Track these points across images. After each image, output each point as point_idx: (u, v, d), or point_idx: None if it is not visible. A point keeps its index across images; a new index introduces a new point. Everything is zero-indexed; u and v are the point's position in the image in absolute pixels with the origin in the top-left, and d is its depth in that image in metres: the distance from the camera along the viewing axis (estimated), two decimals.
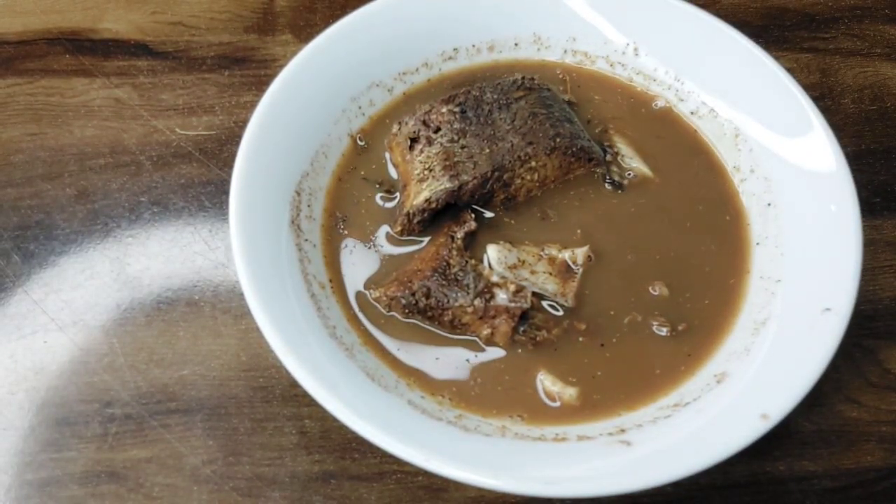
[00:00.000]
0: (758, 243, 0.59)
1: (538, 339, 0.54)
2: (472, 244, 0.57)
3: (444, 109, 0.60)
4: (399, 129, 0.61)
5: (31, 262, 0.63)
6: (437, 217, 0.58)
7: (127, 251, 0.63)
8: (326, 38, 0.60)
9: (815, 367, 0.49)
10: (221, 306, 0.61)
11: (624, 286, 0.57)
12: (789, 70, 0.61)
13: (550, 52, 0.67)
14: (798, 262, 0.56)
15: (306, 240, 0.57)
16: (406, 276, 0.55)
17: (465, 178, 0.57)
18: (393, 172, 0.62)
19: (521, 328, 0.54)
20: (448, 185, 0.57)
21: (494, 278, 0.55)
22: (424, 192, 0.57)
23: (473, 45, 0.66)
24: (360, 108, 0.63)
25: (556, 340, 0.54)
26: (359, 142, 0.62)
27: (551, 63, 0.67)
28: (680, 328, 0.55)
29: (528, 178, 0.59)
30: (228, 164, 0.68)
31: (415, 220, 0.57)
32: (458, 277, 0.54)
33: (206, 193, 0.66)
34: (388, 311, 0.55)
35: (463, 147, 0.58)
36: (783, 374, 0.50)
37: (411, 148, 0.59)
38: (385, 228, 0.59)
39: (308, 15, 0.77)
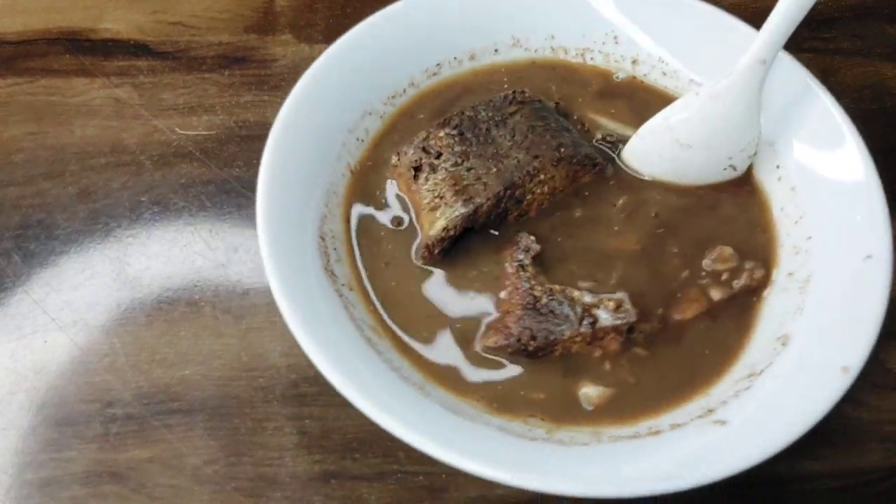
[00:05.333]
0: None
1: (641, 339, 0.54)
2: (543, 262, 0.56)
3: (441, 133, 0.58)
4: (399, 159, 0.59)
5: (32, 262, 0.63)
6: (454, 244, 0.57)
7: (127, 251, 0.63)
8: (318, 71, 0.58)
9: (874, 312, 0.49)
10: (222, 306, 0.61)
11: (668, 271, 0.57)
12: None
13: (529, 52, 0.66)
14: (827, 214, 0.56)
15: (343, 284, 0.55)
16: (496, 321, 0.54)
17: (478, 200, 0.56)
18: (393, 200, 0.60)
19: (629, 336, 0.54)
20: (463, 210, 0.56)
21: (587, 299, 0.53)
22: (440, 220, 0.56)
23: (455, 58, 0.65)
24: (357, 139, 0.61)
25: (649, 334, 0.54)
26: (352, 170, 0.61)
27: (524, 60, 0.67)
28: (724, 298, 0.55)
29: (539, 191, 0.58)
30: (229, 163, 0.68)
31: (436, 251, 0.56)
32: (553, 309, 0.53)
33: (207, 193, 0.66)
34: (496, 361, 0.54)
35: (469, 169, 0.57)
36: (846, 326, 0.50)
37: (416, 177, 0.58)
38: (408, 257, 0.58)
39: (308, 15, 0.77)
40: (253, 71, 0.73)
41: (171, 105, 0.71)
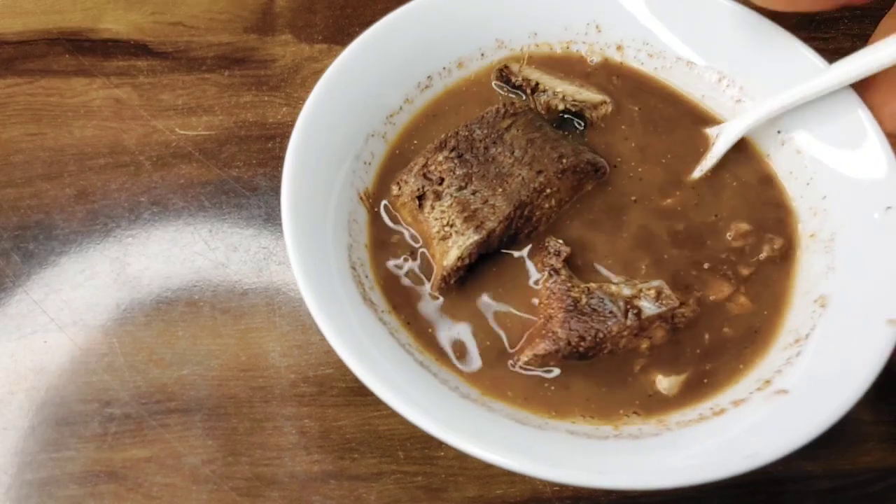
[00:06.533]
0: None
1: (683, 325, 0.54)
2: (572, 267, 0.56)
3: (440, 157, 0.57)
4: (399, 188, 0.58)
5: (31, 262, 0.63)
6: (471, 269, 0.56)
7: (127, 251, 0.63)
8: (317, 100, 0.57)
9: None
10: (221, 306, 0.61)
11: (693, 257, 0.57)
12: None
13: (515, 51, 0.66)
14: (838, 171, 0.56)
15: (383, 311, 0.54)
16: (539, 329, 0.53)
17: (490, 224, 0.55)
18: (400, 229, 0.59)
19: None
20: (476, 237, 0.54)
21: (626, 291, 0.53)
22: (453, 250, 0.55)
23: (444, 68, 0.65)
24: (365, 162, 0.60)
25: (693, 315, 0.54)
26: (369, 204, 0.59)
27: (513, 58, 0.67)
28: (752, 271, 0.56)
29: (546, 205, 0.57)
30: (228, 163, 0.68)
31: (451, 281, 0.55)
32: (594, 307, 0.52)
33: (206, 193, 0.66)
34: (545, 369, 0.53)
35: (474, 192, 0.56)
36: (882, 278, 0.50)
37: (420, 207, 0.57)
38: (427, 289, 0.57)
39: (308, 15, 0.77)
40: (252, 71, 0.73)
41: (170, 105, 0.71)
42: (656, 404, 0.52)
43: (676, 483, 0.45)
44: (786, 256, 0.57)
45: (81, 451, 0.55)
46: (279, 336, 0.60)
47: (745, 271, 0.56)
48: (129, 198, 0.66)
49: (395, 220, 0.59)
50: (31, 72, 0.72)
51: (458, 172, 0.57)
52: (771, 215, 0.58)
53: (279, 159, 0.66)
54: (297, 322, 0.60)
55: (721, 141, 0.60)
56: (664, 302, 0.53)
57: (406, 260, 0.57)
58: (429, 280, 0.56)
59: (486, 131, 0.59)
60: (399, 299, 0.55)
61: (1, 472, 0.55)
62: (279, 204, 0.65)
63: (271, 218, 0.65)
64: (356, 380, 0.58)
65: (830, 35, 0.76)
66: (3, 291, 0.62)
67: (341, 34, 0.74)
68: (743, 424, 0.49)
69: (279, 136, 0.69)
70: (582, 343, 0.51)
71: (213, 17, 0.77)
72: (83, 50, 0.74)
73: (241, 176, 0.67)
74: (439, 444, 0.56)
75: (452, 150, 0.58)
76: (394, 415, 0.57)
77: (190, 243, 0.64)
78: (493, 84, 0.65)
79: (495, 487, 0.55)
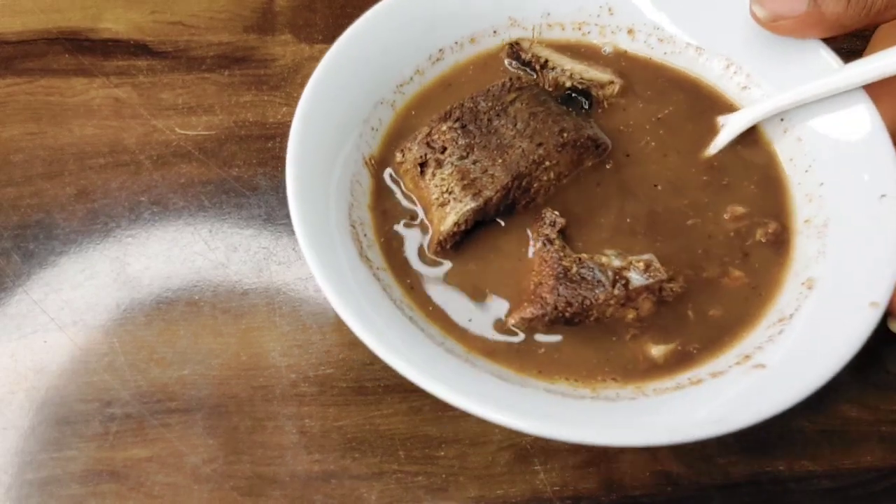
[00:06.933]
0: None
1: (671, 298, 0.55)
2: (566, 239, 0.57)
3: (444, 127, 0.59)
4: (403, 155, 0.59)
5: (31, 262, 0.63)
6: (467, 235, 0.57)
7: (127, 251, 0.63)
8: (327, 66, 0.59)
9: (894, 246, 0.51)
10: (221, 306, 0.61)
11: (687, 235, 0.58)
12: None
13: (527, 31, 0.67)
14: (836, 159, 0.57)
15: (378, 268, 0.56)
16: (529, 294, 0.55)
17: (487, 193, 0.56)
18: (402, 196, 0.61)
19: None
20: (472, 204, 0.56)
21: (616, 262, 0.55)
22: (451, 215, 0.56)
23: (456, 42, 0.66)
24: (372, 128, 0.62)
25: (681, 291, 0.55)
26: (374, 167, 0.61)
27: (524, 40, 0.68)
28: (744, 254, 0.57)
29: (545, 178, 0.58)
30: (228, 163, 0.68)
31: (447, 245, 0.57)
32: (584, 276, 0.54)
33: (206, 193, 0.66)
34: (531, 333, 0.54)
35: (475, 162, 0.58)
36: (869, 264, 0.51)
37: (422, 173, 0.58)
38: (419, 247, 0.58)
39: (308, 14, 0.77)
40: (252, 71, 0.73)
41: (170, 105, 0.71)
42: (636, 372, 0.53)
43: (641, 441, 0.46)
44: (779, 240, 0.57)
45: (82, 451, 0.55)
46: (280, 336, 0.60)
47: (738, 252, 0.57)
48: (129, 197, 0.66)
49: (397, 185, 0.61)
50: (30, 71, 0.72)
51: (460, 142, 0.58)
52: (768, 200, 0.60)
53: (279, 159, 0.66)
54: (298, 322, 0.60)
55: (726, 131, 0.61)
56: (652, 274, 0.54)
57: (406, 224, 0.59)
58: (426, 244, 0.58)
59: (490, 104, 0.60)
60: (395, 259, 0.57)
61: (1, 472, 0.55)
62: (279, 204, 0.66)
63: (271, 218, 0.65)
64: (357, 379, 0.58)
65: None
66: (3, 291, 0.62)
67: (342, 33, 0.74)
68: (718, 395, 0.50)
69: (279, 135, 0.69)
70: (568, 308, 0.53)
71: (212, 16, 0.77)
72: (83, 49, 0.74)
73: (241, 175, 0.67)
74: (440, 444, 0.56)
75: (457, 120, 0.59)
76: (395, 414, 0.57)
77: (190, 243, 0.64)
78: (504, 61, 0.66)
79: (496, 487, 0.55)
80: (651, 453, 0.56)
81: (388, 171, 0.61)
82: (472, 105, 0.60)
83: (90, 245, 0.64)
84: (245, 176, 0.67)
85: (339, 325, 0.59)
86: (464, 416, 0.57)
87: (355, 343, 0.59)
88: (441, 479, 0.55)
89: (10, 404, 0.57)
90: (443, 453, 0.56)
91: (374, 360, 0.58)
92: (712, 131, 0.62)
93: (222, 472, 0.55)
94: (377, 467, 0.55)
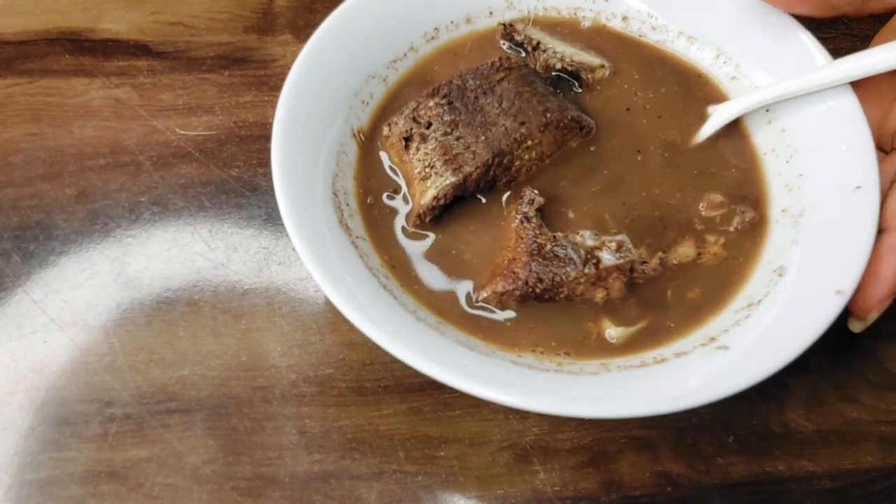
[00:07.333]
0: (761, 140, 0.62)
1: (642, 280, 0.56)
2: (544, 217, 0.58)
3: (431, 103, 0.60)
4: (390, 129, 0.61)
5: (31, 262, 0.63)
6: (447, 209, 0.59)
7: (127, 251, 0.63)
8: (321, 36, 0.61)
9: (865, 238, 0.51)
10: (221, 306, 0.61)
11: (665, 219, 0.59)
12: None
13: (523, 13, 0.68)
14: (816, 150, 0.58)
15: (357, 237, 0.57)
16: (501, 268, 0.56)
17: (467, 169, 0.58)
18: (388, 169, 0.62)
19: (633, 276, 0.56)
20: (452, 178, 0.57)
21: (589, 242, 0.56)
22: (430, 189, 0.58)
23: (452, 22, 0.67)
24: (363, 101, 0.63)
25: (653, 274, 0.56)
26: (362, 139, 0.62)
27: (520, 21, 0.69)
28: (723, 240, 0.58)
29: (527, 157, 0.59)
30: (228, 163, 0.68)
31: (427, 219, 0.58)
32: (557, 253, 0.55)
33: (206, 193, 0.66)
34: (503, 308, 0.56)
35: (458, 138, 0.59)
36: (839, 253, 0.52)
37: (407, 147, 0.60)
38: (401, 222, 0.60)
39: (308, 15, 0.77)
40: (252, 71, 0.73)
41: (170, 105, 0.71)
42: (602, 349, 0.54)
43: (595, 413, 0.47)
44: (755, 229, 0.58)
45: (82, 452, 0.55)
46: (280, 336, 0.60)
47: (712, 239, 0.58)
48: (130, 198, 0.66)
49: (383, 158, 0.62)
50: (30, 72, 0.72)
51: (445, 118, 0.59)
52: (747, 189, 0.60)
53: None
54: (298, 322, 0.60)
55: (713, 120, 0.62)
56: (623, 255, 0.55)
57: (388, 196, 0.60)
58: (407, 216, 0.59)
59: (478, 82, 0.61)
60: (376, 229, 0.59)
61: (1, 473, 0.55)
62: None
63: (271, 218, 0.65)
64: (357, 379, 0.58)
65: (830, 35, 0.76)
66: (3, 291, 0.62)
67: None
68: (679, 374, 0.51)
69: None
70: (539, 285, 0.54)
71: (213, 17, 0.77)
72: (83, 50, 0.74)
73: (241, 176, 0.67)
74: (440, 444, 0.56)
75: (444, 97, 0.60)
76: (395, 414, 0.57)
77: (190, 243, 0.64)
78: (499, 41, 0.67)
79: (496, 487, 0.55)
80: (651, 453, 0.56)
81: (375, 144, 0.62)
82: (460, 82, 0.61)
83: (90, 245, 0.64)
84: (245, 176, 0.67)
85: (339, 326, 0.60)
86: (464, 416, 0.57)
87: (355, 343, 0.59)
88: (441, 479, 0.55)
89: (10, 404, 0.57)
90: (442, 453, 0.56)
91: (373, 360, 0.59)
92: (701, 119, 0.63)
93: (222, 472, 0.55)
94: (377, 467, 0.55)
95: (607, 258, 0.55)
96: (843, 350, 0.60)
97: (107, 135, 0.69)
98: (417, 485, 0.55)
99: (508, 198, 0.60)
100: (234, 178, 0.67)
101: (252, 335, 0.60)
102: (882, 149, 0.57)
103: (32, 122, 0.69)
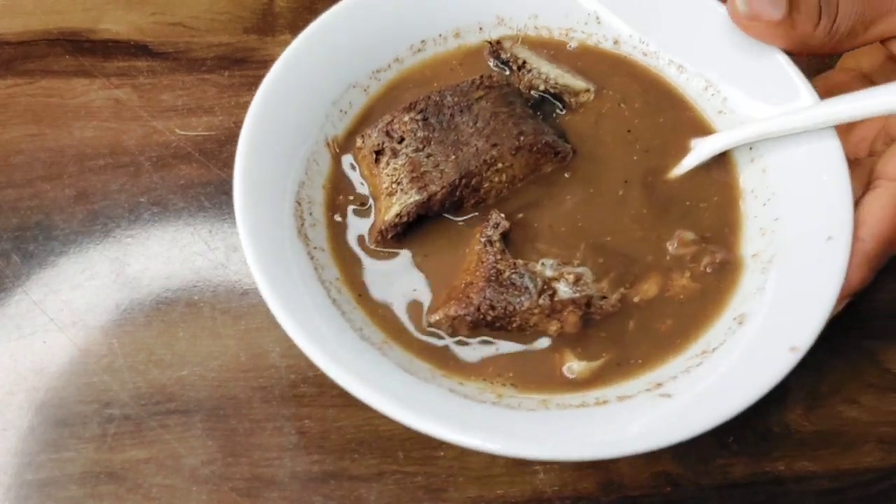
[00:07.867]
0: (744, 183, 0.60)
1: (599, 316, 0.54)
2: (509, 243, 0.57)
3: (406, 118, 0.58)
4: (363, 141, 0.59)
5: (31, 263, 0.63)
6: (410, 227, 0.57)
7: (126, 251, 0.63)
8: (304, 41, 0.59)
9: (828, 294, 0.49)
10: (221, 307, 0.61)
11: (633, 254, 0.57)
12: None
13: (513, 31, 0.67)
14: (794, 195, 0.56)
15: (315, 247, 0.56)
16: (457, 292, 0.54)
17: (433, 188, 0.56)
18: (360, 181, 0.61)
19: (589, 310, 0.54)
20: (417, 197, 0.56)
21: (549, 273, 0.54)
22: (395, 206, 0.56)
23: (440, 35, 0.66)
24: (341, 110, 0.62)
25: (612, 310, 0.54)
26: (335, 150, 0.61)
27: (507, 37, 0.67)
28: (694, 279, 0.56)
29: (497, 179, 0.58)
30: (228, 164, 0.68)
31: (388, 236, 0.56)
32: (514, 281, 0.53)
33: (206, 194, 0.66)
34: (453, 334, 0.54)
35: (429, 156, 0.57)
36: (800, 307, 0.50)
37: (377, 161, 0.58)
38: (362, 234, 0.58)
39: (308, 16, 0.77)
40: (252, 72, 0.73)
41: (170, 106, 0.71)
42: (545, 385, 0.52)
43: (520, 452, 0.45)
44: (723, 271, 0.56)
45: (81, 452, 0.55)
46: (279, 336, 0.60)
47: (678, 279, 0.56)
48: (129, 198, 0.66)
49: (354, 170, 0.61)
50: (31, 72, 0.72)
51: (419, 134, 0.58)
52: (721, 229, 0.58)
53: None
54: None
55: (693, 154, 0.60)
56: (580, 288, 0.53)
57: (355, 210, 0.59)
58: (369, 231, 0.58)
59: (457, 99, 0.59)
60: (336, 242, 0.57)
61: (1, 473, 0.55)
62: None
63: None
64: None
65: None
66: (3, 292, 0.62)
67: None
68: (618, 418, 0.49)
69: None
70: (490, 312, 0.52)
71: (213, 17, 0.77)
72: (83, 50, 0.74)
73: None
74: (440, 445, 0.56)
75: (420, 112, 0.58)
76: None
77: (190, 243, 0.64)
78: (486, 59, 0.66)
79: (496, 487, 0.55)
80: (650, 453, 0.56)
81: (348, 156, 0.61)
82: (438, 98, 0.59)
83: (90, 246, 0.64)
84: None
85: None
86: None
87: None
88: (440, 479, 0.55)
89: (10, 405, 0.57)
90: (442, 454, 0.56)
91: None
92: (683, 151, 0.60)
93: (221, 473, 0.55)
94: (376, 468, 0.55)
95: (564, 290, 0.53)
96: (843, 351, 0.60)
97: (107, 135, 0.69)
98: (417, 485, 0.55)
99: (474, 220, 0.58)
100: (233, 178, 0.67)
101: (251, 336, 0.60)
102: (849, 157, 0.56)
103: (32, 123, 0.70)
